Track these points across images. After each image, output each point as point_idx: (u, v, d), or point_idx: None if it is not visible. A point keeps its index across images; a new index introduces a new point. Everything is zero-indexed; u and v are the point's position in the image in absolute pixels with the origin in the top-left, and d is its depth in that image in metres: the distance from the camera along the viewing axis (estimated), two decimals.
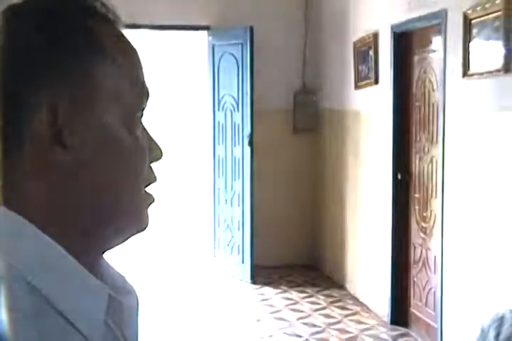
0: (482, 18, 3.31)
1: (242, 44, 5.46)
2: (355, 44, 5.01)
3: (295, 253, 5.82)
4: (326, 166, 5.76)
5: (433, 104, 4.09)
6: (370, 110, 4.86)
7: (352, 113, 5.18)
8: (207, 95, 5.92)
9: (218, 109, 5.78)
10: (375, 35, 4.68)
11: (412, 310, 4.35)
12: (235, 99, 5.61)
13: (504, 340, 2.17)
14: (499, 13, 3.14)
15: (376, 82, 4.72)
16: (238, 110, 5.58)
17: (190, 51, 7.55)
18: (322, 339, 4.16)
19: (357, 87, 5.03)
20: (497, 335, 2.19)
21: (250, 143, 5.44)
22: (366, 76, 4.87)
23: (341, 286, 5.24)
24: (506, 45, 3.13)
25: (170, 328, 4.45)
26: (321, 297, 5.03)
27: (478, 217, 3.49)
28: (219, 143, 5.78)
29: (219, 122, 5.78)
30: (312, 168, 5.90)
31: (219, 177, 5.76)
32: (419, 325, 4.24)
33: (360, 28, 4.95)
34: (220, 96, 5.75)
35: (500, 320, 2.23)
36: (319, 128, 5.87)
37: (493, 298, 3.26)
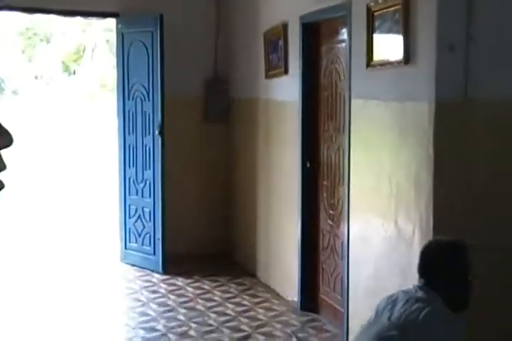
0: (383, 11, 3.44)
1: (152, 32, 5.41)
2: (265, 34, 5.08)
3: (208, 242, 5.86)
4: (237, 155, 5.81)
5: (340, 94, 4.21)
6: (280, 99, 4.95)
7: (263, 102, 5.25)
8: (116, 84, 5.83)
9: (128, 98, 5.71)
10: (285, 26, 4.76)
11: (321, 295, 4.48)
12: (145, 87, 5.56)
13: (396, 319, 2.28)
14: (398, 6, 3.27)
15: (286, 71, 4.80)
16: (149, 99, 5.54)
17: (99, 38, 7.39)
18: (233, 328, 4.22)
19: (267, 76, 5.11)
20: (390, 316, 2.31)
21: (161, 133, 5.41)
22: (276, 65, 4.95)
23: (253, 274, 5.33)
24: (406, 38, 3.27)
25: (80, 319, 4.39)
26: (233, 285, 5.10)
27: (373, 202, 3.63)
28: (129, 133, 5.71)
29: (129, 111, 5.72)
30: (224, 157, 5.95)
31: (129, 167, 5.71)
32: (328, 310, 4.38)
33: (270, 18, 5.01)
34: (130, 85, 5.68)
35: (394, 303, 2.35)
36: (231, 116, 5.92)
37: (395, 282, 3.41)
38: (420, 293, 2.32)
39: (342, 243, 4.12)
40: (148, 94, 5.53)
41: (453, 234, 3.19)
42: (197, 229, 5.86)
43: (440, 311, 2.27)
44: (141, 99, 5.62)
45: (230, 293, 4.94)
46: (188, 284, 5.14)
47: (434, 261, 2.40)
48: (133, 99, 5.68)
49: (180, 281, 5.21)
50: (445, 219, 3.21)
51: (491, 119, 3.26)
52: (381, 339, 2.27)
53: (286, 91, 4.83)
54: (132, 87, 5.67)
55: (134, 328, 4.28)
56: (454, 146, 3.24)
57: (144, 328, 4.25)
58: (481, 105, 3.23)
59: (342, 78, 4.16)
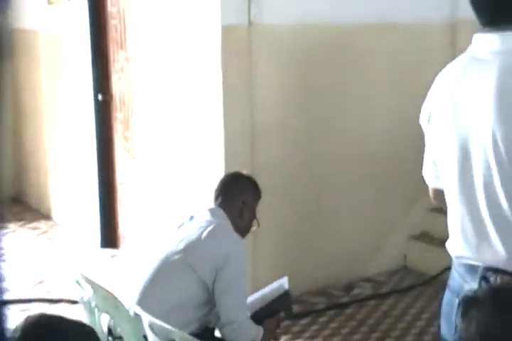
0: None
1: None
2: None
3: None
4: (21, 95, 5.48)
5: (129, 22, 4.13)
6: (65, 29, 4.74)
7: (47, 33, 4.99)
8: None
9: None
10: None
11: (122, 230, 4.49)
12: None
13: (180, 242, 2.32)
14: None
15: None
16: None
17: None
18: (27, 275, 4.08)
19: (50, 2, 4.83)
20: (175, 240, 2.33)
21: None
22: None
23: (48, 217, 5.17)
24: None
25: None
26: (27, 230, 4.92)
27: (170, 134, 3.70)
28: None
29: None
30: (12, 99, 5.54)
31: None
32: (129, 243, 4.41)
33: None
34: None
35: (180, 226, 2.41)
36: (13, 51, 5.53)
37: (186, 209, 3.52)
38: (208, 215, 2.38)
39: (138, 175, 4.14)
40: None
41: (241, 157, 3.36)
42: None
43: (225, 227, 2.36)
44: None
45: (22, 238, 4.75)
46: None
47: (238, 186, 2.47)
48: None
49: None
50: (235, 145, 3.36)
51: (275, 44, 3.43)
52: (167, 263, 2.31)
53: (72, 19, 4.62)
54: None
55: None
56: (240, 72, 3.37)
57: None
58: (265, 30, 3.37)
59: (129, 4, 4.07)
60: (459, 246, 1.58)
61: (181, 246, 2.30)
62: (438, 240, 3.94)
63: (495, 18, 1.46)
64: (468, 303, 1.42)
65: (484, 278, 1.51)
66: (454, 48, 3.86)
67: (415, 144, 3.67)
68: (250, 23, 3.34)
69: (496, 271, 1.50)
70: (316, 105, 3.59)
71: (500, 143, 1.41)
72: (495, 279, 1.49)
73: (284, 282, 2.53)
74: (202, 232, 2.30)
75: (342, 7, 3.56)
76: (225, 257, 2.24)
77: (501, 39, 1.45)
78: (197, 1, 3.38)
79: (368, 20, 3.65)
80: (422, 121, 1.63)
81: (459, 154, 1.50)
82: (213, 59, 3.32)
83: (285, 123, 3.51)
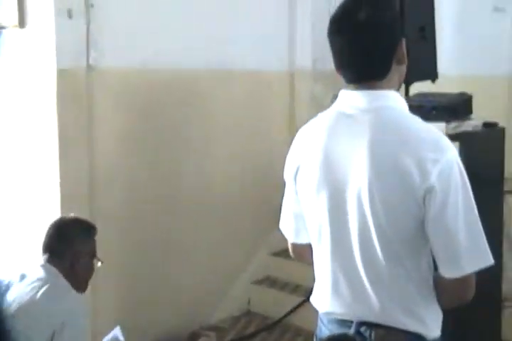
0: None
1: None
2: None
3: None
4: None
5: None
6: None
7: None
8: None
9: None
10: None
11: None
12: None
13: (7, 306, 2.13)
14: None
15: None
16: None
17: None
18: None
19: None
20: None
21: None
22: None
23: None
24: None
25: None
26: None
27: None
28: None
29: None
30: None
31: None
32: None
33: None
34: None
35: (6, 288, 2.22)
36: None
37: None
38: (41, 272, 2.23)
39: None
40: None
41: (78, 205, 3.22)
42: None
43: (61, 285, 2.21)
44: None
45: None
46: None
47: (62, 238, 2.31)
48: None
49: None
50: (72, 192, 3.21)
51: (115, 88, 3.37)
52: None
53: None
54: None
55: None
56: (78, 116, 3.26)
57: None
58: (105, 74, 3.31)
59: None
60: (329, 302, 1.54)
61: (11, 311, 2.12)
62: (281, 284, 4.01)
63: (358, 76, 1.47)
64: None
65: (358, 332, 1.49)
66: (293, 95, 4.07)
67: (258, 190, 3.81)
68: (89, 66, 3.26)
69: (370, 325, 1.48)
70: (157, 148, 3.57)
71: (376, 198, 1.40)
72: (369, 334, 1.48)
73: (117, 332, 2.41)
74: (35, 293, 2.14)
75: (183, 52, 3.60)
76: (63, 319, 2.08)
77: (367, 98, 1.46)
78: (32, 42, 3.24)
79: (209, 65, 3.73)
80: (288, 175, 1.58)
81: (333, 208, 1.47)
82: (48, 104, 3.17)
83: (126, 168, 3.44)
